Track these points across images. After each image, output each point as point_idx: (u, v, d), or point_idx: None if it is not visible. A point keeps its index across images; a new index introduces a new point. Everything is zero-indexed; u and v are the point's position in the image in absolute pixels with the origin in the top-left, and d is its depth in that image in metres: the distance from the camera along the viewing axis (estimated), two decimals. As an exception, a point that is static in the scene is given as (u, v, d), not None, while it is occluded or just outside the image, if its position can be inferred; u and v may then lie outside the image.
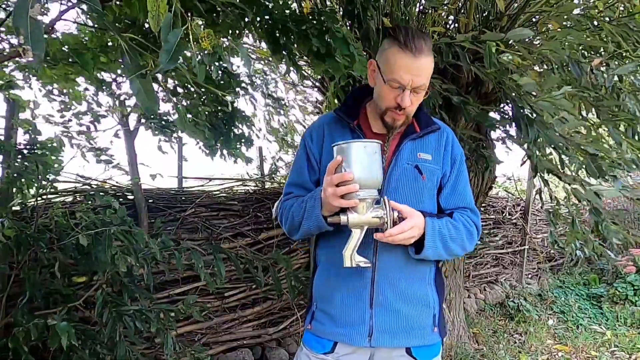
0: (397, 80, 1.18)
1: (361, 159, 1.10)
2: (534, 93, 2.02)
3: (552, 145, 2.19)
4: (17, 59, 1.85)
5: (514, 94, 2.21)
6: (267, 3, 1.67)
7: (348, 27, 2.31)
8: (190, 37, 1.00)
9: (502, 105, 3.14)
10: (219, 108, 2.51)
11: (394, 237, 1.13)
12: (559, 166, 2.28)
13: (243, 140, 2.74)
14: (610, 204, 6.37)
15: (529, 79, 1.93)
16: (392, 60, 1.18)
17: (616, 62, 2.43)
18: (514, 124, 2.48)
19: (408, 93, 1.18)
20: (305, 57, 2.37)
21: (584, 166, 2.17)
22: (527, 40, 2.32)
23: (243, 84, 2.82)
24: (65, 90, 2.38)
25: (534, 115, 2.17)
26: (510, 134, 2.75)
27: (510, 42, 2.36)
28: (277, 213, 1.42)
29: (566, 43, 2.10)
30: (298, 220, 1.28)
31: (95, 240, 1.68)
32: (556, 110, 1.96)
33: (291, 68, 1.86)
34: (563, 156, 2.21)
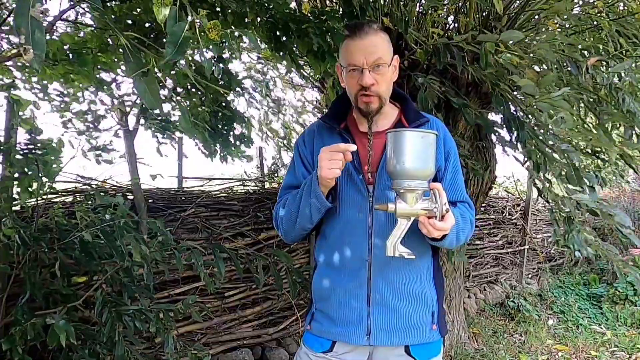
0: (352, 63, 1.24)
1: (416, 148, 1.08)
2: (532, 94, 2.02)
3: (540, 150, 2.19)
4: (17, 58, 1.85)
5: (508, 96, 2.22)
6: (267, 4, 1.68)
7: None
8: (197, 28, 0.99)
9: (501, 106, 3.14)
10: (218, 109, 2.51)
11: (434, 230, 1.11)
12: (542, 171, 2.28)
13: (243, 140, 2.74)
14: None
15: (528, 80, 1.94)
16: (344, 49, 1.27)
17: (616, 62, 2.43)
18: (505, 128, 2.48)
19: (367, 72, 1.22)
20: (305, 58, 2.38)
21: (563, 172, 2.17)
22: (526, 40, 2.32)
23: (243, 84, 2.82)
24: (65, 91, 2.38)
25: (526, 118, 2.17)
26: (507, 139, 2.75)
27: (510, 42, 2.36)
28: (274, 218, 1.44)
29: (562, 44, 2.10)
30: (295, 209, 1.28)
31: (105, 234, 1.68)
32: (554, 111, 1.96)
33: (292, 68, 1.86)
34: (547, 162, 2.21)
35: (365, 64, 1.21)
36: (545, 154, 2.18)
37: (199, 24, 1.00)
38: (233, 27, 1.63)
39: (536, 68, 2.56)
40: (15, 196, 1.95)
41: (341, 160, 1.15)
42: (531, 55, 2.14)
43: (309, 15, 1.69)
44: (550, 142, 2.20)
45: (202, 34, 1.01)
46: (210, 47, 1.16)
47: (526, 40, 2.40)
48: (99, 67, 2.05)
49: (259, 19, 1.69)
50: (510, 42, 2.05)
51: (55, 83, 2.25)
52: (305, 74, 3.71)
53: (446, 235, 1.17)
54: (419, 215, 1.11)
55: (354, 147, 1.15)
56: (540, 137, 2.18)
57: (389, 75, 1.28)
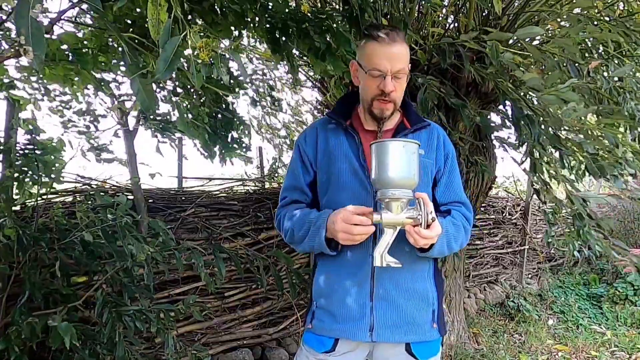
0: (377, 68, 1.24)
1: (399, 157, 1.10)
2: (537, 89, 2.02)
3: (553, 145, 2.19)
4: (16, 59, 1.85)
5: (514, 94, 2.22)
6: (267, 3, 1.68)
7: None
8: (189, 45, 1.00)
9: (500, 106, 3.14)
10: (218, 110, 2.51)
11: (420, 239, 1.14)
12: (558, 166, 2.27)
13: (241, 145, 2.74)
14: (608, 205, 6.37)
15: (533, 74, 1.92)
16: (370, 52, 1.26)
17: (616, 62, 2.43)
18: (512, 126, 2.48)
19: (389, 79, 1.24)
20: (305, 57, 2.37)
21: (583, 165, 2.17)
22: (527, 40, 2.31)
23: (243, 85, 2.82)
24: (65, 90, 2.38)
25: (535, 116, 2.17)
26: (509, 140, 2.75)
27: (510, 42, 2.36)
28: (276, 222, 1.45)
29: (586, 38, 2.09)
30: (299, 237, 1.31)
31: (105, 234, 1.68)
32: (562, 104, 1.94)
33: (291, 69, 1.86)
34: (564, 156, 2.21)
35: (389, 72, 1.23)
36: (563, 147, 2.16)
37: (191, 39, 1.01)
38: (230, 30, 1.63)
39: (534, 67, 2.55)
40: (16, 196, 1.95)
41: (360, 233, 1.16)
42: (542, 54, 2.13)
43: (309, 14, 1.69)
44: (562, 142, 2.20)
45: (194, 54, 1.02)
46: (201, 62, 1.17)
47: (531, 38, 2.39)
48: (98, 67, 2.05)
49: (257, 19, 1.69)
50: (520, 40, 2.04)
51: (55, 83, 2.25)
52: (304, 74, 3.72)
53: (434, 244, 1.19)
54: (405, 224, 1.13)
55: (371, 225, 1.15)
56: (552, 133, 2.17)
57: (405, 84, 1.31)
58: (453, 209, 1.34)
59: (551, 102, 1.93)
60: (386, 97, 1.26)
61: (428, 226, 1.12)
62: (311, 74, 3.71)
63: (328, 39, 1.68)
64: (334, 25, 1.69)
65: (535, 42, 2.92)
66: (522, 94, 2.24)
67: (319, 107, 4.08)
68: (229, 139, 2.65)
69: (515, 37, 1.92)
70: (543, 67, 2.37)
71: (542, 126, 2.20)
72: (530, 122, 2.15)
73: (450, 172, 1.36)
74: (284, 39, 1.72)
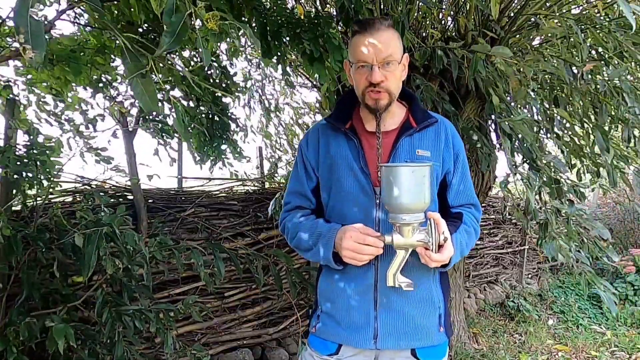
0: (362, 58, 1.20)
1: (408, 183, 1.08)
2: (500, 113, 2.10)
3: (525, 159, 2.22)
4: (16, 59, 1.85)
5: (499, 104, 2.25)
6: (261, 7, 1.67)
7: (342, 32, 2.30)
8: (194, 17, 0.99)
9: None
10: (214, 111, 2.51)
11: (432, 262, 1.13)
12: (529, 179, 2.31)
13: (236, 147, 2.75)
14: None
15: (497, 98, 2.00)
16: (354, 45, 1.23)
17: (616, 62, 2.43)
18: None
19: (376, 68, 1.19)
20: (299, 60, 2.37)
21: (545, 185, 2.21)
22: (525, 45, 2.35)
23: (240, 86, 2.83)
24: (62, 91, 2.38)
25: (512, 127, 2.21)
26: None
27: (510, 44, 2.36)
28: (280, 227, 1.42)
29: (552, 59, 2.13)
30: (305, 247, 1.29)
31: (88, 240, 1.65)
32: (520, 129, 2.00)
33: (287, 69, 1.87)
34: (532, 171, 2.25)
35: (375, 61, 1.19)
36: (533, 161, 2.19)
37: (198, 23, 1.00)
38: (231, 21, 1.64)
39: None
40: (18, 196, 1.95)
41: (369, 254, 1.15)
42: (518, 67, 2.16)
43: (304, 19, 1.69)
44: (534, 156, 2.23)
45: (200, 32, 1.01)
46: (208, 38, 1.16)
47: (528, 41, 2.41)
48: (96, 67, 2.05)
49: (254, 18, 1.69)
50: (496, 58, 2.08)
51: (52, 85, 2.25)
52: (304, 74, 3.72)
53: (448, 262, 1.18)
54: (416, 247, 1.13)
55: (381, 248, 1.14)
56: (526, 147, 2.21)
57: (399, 73, 1.25)
58: (465, 212, 1.31)
59: (506, 129, 1.99)
60: (376, 87, 1.21)
61: (440, 246, 1.11)
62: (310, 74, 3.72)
63: (320, 45, 1.68)
64: (330, 30, 1.69)
65: (536, 43, 2.93)
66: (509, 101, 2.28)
67: (316, 108, 4.09)
68: (224, 142, 2.65)
69: (492, 54, 1.96)
70: (535, 76, 2.38)
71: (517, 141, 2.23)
72: (508, 136, 2.18)
73: (462, 173, 1.32)
74: (276, 43, 1.71)
